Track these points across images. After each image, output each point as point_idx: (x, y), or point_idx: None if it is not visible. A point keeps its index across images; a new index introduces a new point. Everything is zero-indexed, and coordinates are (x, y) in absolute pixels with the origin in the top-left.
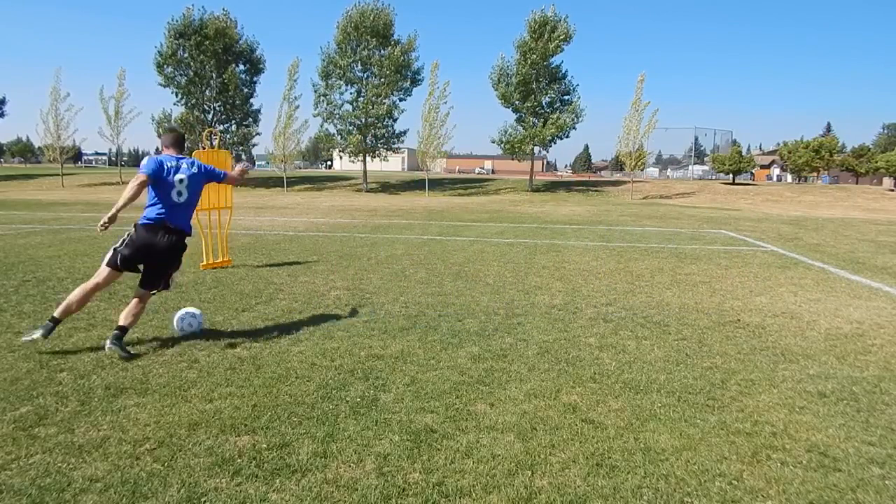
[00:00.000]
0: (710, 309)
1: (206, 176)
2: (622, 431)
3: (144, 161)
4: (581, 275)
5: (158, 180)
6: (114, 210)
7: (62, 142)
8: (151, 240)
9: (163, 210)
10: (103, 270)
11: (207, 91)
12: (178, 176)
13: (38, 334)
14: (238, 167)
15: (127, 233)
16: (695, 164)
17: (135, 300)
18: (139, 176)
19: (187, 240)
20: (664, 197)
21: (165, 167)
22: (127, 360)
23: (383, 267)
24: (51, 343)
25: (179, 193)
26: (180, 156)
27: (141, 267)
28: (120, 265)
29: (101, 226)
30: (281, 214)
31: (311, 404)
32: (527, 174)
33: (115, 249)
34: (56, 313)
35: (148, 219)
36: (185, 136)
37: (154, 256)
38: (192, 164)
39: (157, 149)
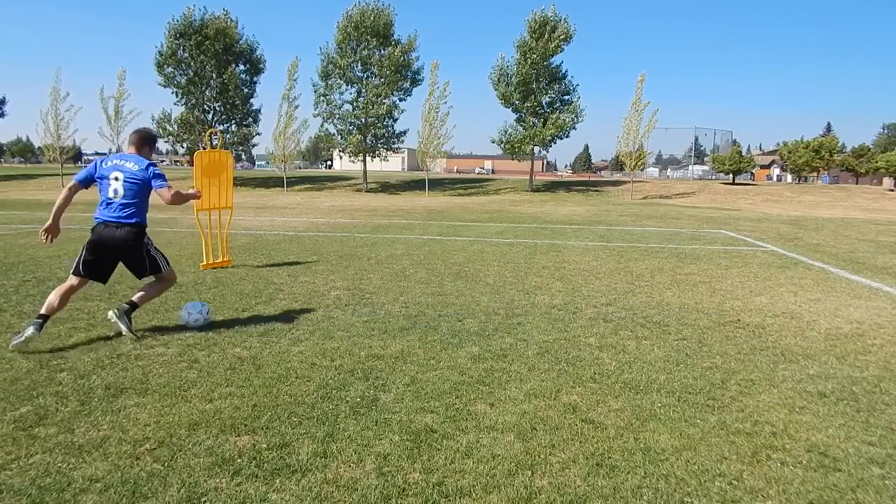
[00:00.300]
0: (710, 309)
1: (146, 180)
2: (622, 431)
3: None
4: (581, 275)
5: (99, 180)
6: (49, 221)
7: (62, 142)
8: (101, 239)
9: (102, 210)
10: (71, 277)
11: (207, 91)
12: (115, 174)
13: (30, 331)
14: (191, 190)
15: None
16: (695, 164)
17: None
18: (71, 181)
19: (147, 232)
20: (664, 197)
21: (101, 167)
22: (125, 334)
23: (383, 267)
24: (51, 343)
25: (115, 192)
26: (133, 155)
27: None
28: (82, 271)
29: (42, 235)
30: (281, 214)
31: (311, 404)
32: (527, 174)
33: (78, 255)
34: (42, 310)
35: (95, 220)
36: (156, 136)
37: (114, 253)
38: (142, 165)
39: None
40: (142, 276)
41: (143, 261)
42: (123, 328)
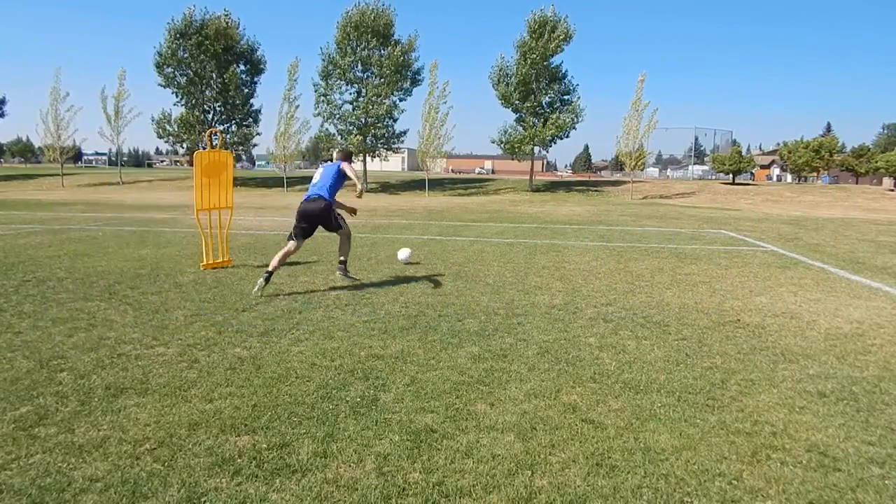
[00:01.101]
0: (710, 309)
1: (336, 170)
2: (622, 431)
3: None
4: (581, 275)
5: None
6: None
7: (62, 142)
8: (304, 210)
9: (309, 192)
10: (288, 243)
11: (208, 91)
12: (321, 169)
13: (260, 282)
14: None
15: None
16: (695, 164)
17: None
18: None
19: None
20: (664, 197)
21: (319, 169)
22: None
23: (383, 267)
24: (51, 342)
25: (317, 179)
26: (332, 162)
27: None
28: (294, 236)
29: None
30: (281, 214)
31: (311, 404)
32: (527, 174)
33: (293, 227)
34: (269, 267)
35: (304, 197)
36: (343, 151)
37: (314, 219)
38: (335, 166)
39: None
40: (335, 231)
41: (333, 222)
42: (343, 278)
